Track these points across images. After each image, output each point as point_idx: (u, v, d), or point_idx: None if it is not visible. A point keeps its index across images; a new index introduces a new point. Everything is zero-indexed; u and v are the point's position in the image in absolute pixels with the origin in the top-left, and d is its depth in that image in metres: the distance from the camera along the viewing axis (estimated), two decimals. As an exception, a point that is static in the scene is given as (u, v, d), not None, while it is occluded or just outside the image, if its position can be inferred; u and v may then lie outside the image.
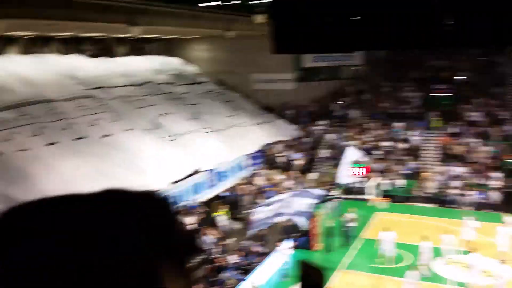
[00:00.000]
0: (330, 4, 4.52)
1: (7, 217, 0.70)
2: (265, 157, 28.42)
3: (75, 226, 0.69)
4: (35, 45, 26.77)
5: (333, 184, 26.50)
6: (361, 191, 26.12)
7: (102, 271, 0.66)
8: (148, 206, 0.77)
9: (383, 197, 25.83)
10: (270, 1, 17.46)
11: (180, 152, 21.78)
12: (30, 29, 23.23)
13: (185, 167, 21.54)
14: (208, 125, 26.51)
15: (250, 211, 18.60)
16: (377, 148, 29.11)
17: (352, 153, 24.85)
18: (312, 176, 27.59)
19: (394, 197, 25.88)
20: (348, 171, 24.93)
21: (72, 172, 17.55)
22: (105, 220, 0.71)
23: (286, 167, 28.07)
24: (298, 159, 28.73)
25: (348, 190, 26.22)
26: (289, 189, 23.05)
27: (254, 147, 27.13)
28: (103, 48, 30.66)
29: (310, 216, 21.41)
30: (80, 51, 28.95)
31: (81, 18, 18.82)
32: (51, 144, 19.34)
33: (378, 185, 26.08)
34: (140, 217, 0.74)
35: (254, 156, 26.94)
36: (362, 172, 24.10)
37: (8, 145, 18.01)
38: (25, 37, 25.81)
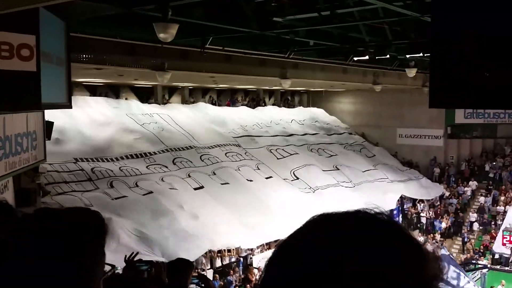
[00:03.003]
0: (497, 58, 4.40)
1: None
2: (405, 217, 27.13)
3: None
4: (193, 95, 29.60)
5: (481, 252, 24.34)
6: (514, 262, 23.53)
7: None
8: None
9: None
10: (426, 55, 17.18)
11: (315, 205, 21.85)
12: (191, 81, 25.76)
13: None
14: (346, 179, 26.34)
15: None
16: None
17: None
18: (457, 241, 25.63)
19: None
20: (501, 238, 22.81)
21: (213, 218, 18.65)
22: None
23: (427, 229, 26.48)
24: (442, 221, 26.94)
25: (500, 260, 23.79)
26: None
27: (393, 205, 26.14)
28: (252, 99, 32.67)
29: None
30: (232, 102, 31.22)
31: (239, 72, 20.25)
32: (199, 188, 20.86)
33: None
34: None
35: (392, 214, 25.89)
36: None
37: (161, 185, 19.90)
38: (186, 87, 28.71)
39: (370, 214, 0.81)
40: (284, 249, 0.81)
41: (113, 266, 1.38)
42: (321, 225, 0.81)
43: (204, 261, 17.85)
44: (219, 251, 18.34)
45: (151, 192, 18.99)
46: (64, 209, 1.26)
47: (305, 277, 0.73)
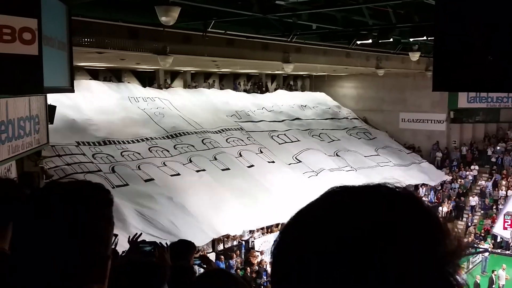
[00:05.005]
0: (501, 42, 4.38)
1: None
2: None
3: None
4: (195, 79, 29.52)
5: (482, 236, 24.46)
6: (516, 246, 23.66)
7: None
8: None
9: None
10: (430, 39, 17.09)
11: (317, 189, 21.91)
12: (193, 65, 25.66)
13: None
14: (348, 163, 26.36)
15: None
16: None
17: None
18: (459, 225, 25.72)
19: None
20: (503, 222, 22.91)
21: (215, 200, 18.76)
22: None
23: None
24: (443, 205, 27.02)
25: (502, 244, 23.92)
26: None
27: (395, 189, 26.14)
28: (255, 83, 32.57)
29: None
30: (234, 86, 31.15)
31: (241, 56, 20.17)
32: (201, 171, 20.91)
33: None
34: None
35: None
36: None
37: (163, 170, 19.96)
38: (188, 71, 28.61)
39: (390, 188, 0.79)
40: (300, 219, 0.80)
41: (115, 235, 1.44)
42: (341, 198, 0.79)
43: (204, 246, 17.96)
44: (222, 235, 18.50)
45: (153, 179, 19.09)
46: (71, 184, 1.33)
47: (316, 252, 0.72)
